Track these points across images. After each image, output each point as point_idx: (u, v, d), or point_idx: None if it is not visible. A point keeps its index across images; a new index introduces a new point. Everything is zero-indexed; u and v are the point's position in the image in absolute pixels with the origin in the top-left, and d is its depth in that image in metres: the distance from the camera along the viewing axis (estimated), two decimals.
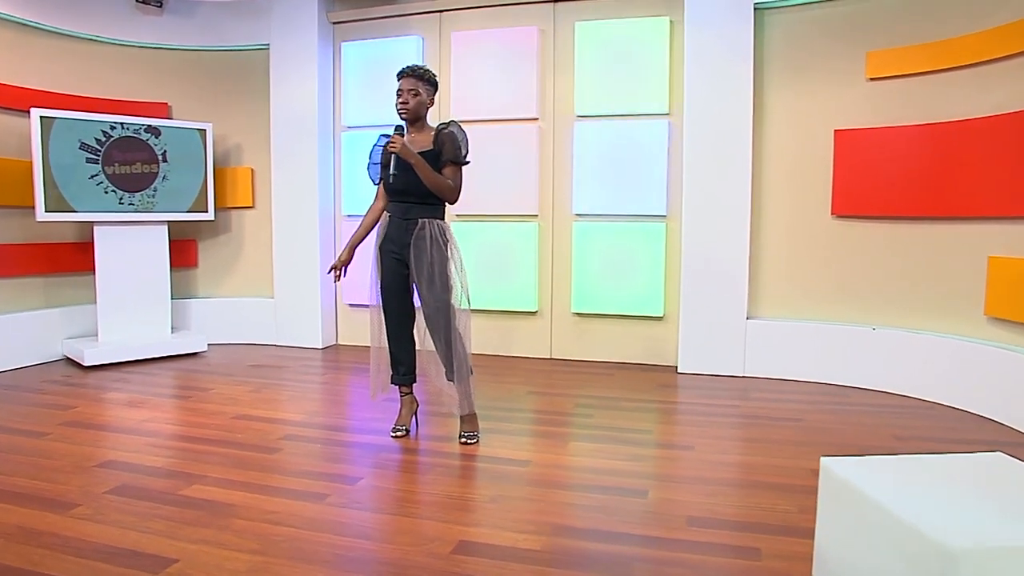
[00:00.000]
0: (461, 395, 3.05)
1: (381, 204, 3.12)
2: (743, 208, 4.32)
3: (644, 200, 4.65)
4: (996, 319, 3.54)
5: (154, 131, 4.79)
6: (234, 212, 5.43)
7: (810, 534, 2.19)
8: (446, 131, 2.98)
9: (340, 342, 5.47)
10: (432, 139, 2.99)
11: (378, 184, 3.12)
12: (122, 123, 4.66)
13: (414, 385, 3.23)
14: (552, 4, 4.77)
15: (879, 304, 4.06)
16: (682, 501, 2.46)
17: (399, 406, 3.25)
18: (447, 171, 2.98)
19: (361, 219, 3.20)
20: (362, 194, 5.21)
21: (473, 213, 4.83)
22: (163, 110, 5.15)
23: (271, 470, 2.75)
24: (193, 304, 5.37)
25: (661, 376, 4.42)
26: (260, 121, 5.31)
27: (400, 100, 2.96)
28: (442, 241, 2.99)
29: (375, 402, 3.77)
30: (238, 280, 5.49)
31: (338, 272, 3.17)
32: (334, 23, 5.24)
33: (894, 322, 4.01)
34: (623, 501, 2.46)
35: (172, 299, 5.04)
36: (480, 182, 4.38)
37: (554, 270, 4.91)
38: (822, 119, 4.17)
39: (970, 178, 3.62)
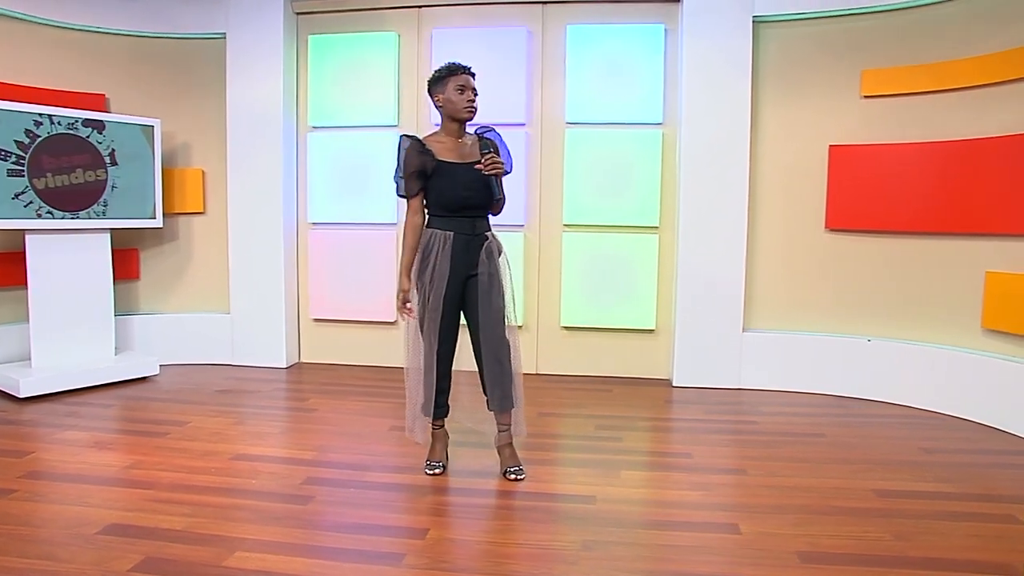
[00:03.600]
0: (513, 422, 2.83)
1: (420, 219, 2.80)
2: (739, 220, 4.33)
3: (636, 211, 4.57)
4: (993, 331, 3.71)
5: (97, 125, 4.18)
6: (182, 218, 4.86)
7: (922, 564, 2.17)
8: (492, 141, 2.74)
9: (303, 360, 5.03)
10: (477, 147, 2.74)
11: (409, 196, 2.77)
12: (52, 116, 4.01)
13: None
14: (541, 5, 4.59)
15: (874, 316, 4.18)
16: (778, 535, 2.37)
17: (431, 440, 2.97)
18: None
19: (404, 240, 2.79)
20: (328, 200, 4.83)
21: None
22: (100, 102, 4.52)
23: (315, 525, 2.41)
24: (135, 321, 4.76)
25: (658, 391, 4.36)
26: (212, 118, 4.79)
27: (468, 99, 2.70)
28: (501, 254, 2.78)
29: (384, 433, 3.51)
30: (187, 294, 4.93)
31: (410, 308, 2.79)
32: (299, 13, 4.79)
33: (890, 334, 4.13)
34: (720, 539, 2.34)
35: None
36: None
37: (541, 282, 4.73)
38: (817, 134, 4.24)
39: (966, 196, 3.78)
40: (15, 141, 3.86)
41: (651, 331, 4.65)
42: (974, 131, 3.76)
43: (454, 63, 2.74)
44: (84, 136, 4.13)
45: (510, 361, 2.77)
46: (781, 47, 4.27)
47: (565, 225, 4.66)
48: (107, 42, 4.57)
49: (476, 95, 2.73)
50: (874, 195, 4.09)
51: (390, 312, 4.85)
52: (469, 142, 2.78)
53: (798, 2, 4.15)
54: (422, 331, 2.77)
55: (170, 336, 4.82)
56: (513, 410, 2.81)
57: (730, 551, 2.25)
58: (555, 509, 2.57)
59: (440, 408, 2.89)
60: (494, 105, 4.58)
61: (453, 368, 2.89)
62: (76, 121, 4.10)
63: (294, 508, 2.55)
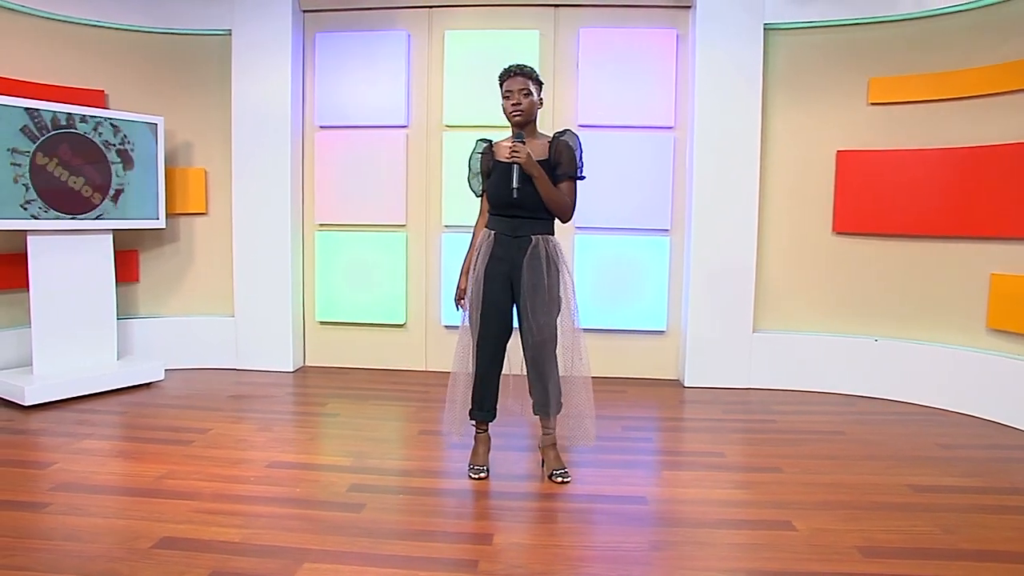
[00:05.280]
0: (556, 427, 2.85)
1: (485, 219, 2.83)
2: (749, 223, 4.41)
3: (647, 213, 4.62)
4: (998, 331, 3.86)
5: (99, 123, 4.02)
6: (183, 219, 4.73)
7: (976, 556, 2.25)
8: (562, 141, 2.74)
9: (308, 363, 4.94)
10: (547, 148, 2.75)
11: (481, 196, 2.82)
12: (55, 113, 3.84)
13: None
14: (554, 8, 4.60)
15: (881, 317, 4.31)
16: (833, 530, 2.43)
17: (474, 444, 2.96)
18: (563, 186, 2.75)
19: (471, 238, 2.87)
20: (336, 201, 4.77)
21: (460, 224, 4.54)
22: (99, 98, 4.36)
23: (376, 534, 2.37)
24: (135, 324, 4.61)
25: (671, 391, 4.42)
26: (215, 116, 4.67)
27: (512, 102, 2.70)
28: (556, 261, 2.76)
29: (415, 437, 3.48)
30: (188, 296, 4.79)
31: (464, 303, 2.83)
32: (306, 11, 4.71)
33: (896, 334, 4.27)
34: (780, 536, 2.38)
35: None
36: (470, 192, 4.13)
37: None
38: (825, 139, 4.35)
39: (971, 201, 3.93)
40: (16, 138, 3.70)
41: (661, 332, 4.71)
42: (979, 138, 3.91)
43: (504, 68, 2.74)
44: (86, 134, 3.98)
45: (554, 368, 2.77)
46: (791, 54, 4.37)
47: (576, 228, 4.68)
48: (107, 37, 4.41)
49: (526, 96, 2.71)
50: (881, 199, 4.22)
51: (398, 314, 4.81)
52: (539, 144, 2.77)
53: (808, 11, 4.26)
54: (472, 331, 2.79)
55: (171, 340, 4.69)
56: (557, 416, 2.82)
57: (792, 547, 2.30)
58: (612, 511, 2.59)
59: (484, 412, 2.87)
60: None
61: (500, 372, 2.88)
62: (79, 118, 3.95)
63: (349, 516, 2.50)
